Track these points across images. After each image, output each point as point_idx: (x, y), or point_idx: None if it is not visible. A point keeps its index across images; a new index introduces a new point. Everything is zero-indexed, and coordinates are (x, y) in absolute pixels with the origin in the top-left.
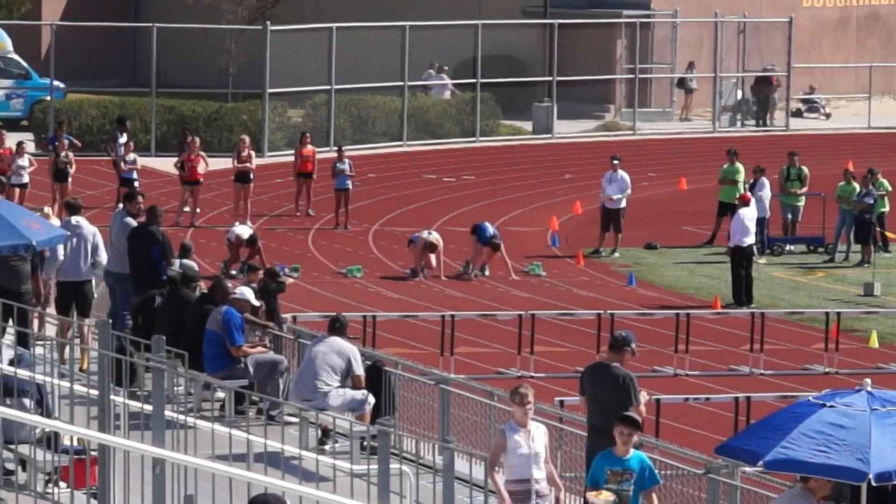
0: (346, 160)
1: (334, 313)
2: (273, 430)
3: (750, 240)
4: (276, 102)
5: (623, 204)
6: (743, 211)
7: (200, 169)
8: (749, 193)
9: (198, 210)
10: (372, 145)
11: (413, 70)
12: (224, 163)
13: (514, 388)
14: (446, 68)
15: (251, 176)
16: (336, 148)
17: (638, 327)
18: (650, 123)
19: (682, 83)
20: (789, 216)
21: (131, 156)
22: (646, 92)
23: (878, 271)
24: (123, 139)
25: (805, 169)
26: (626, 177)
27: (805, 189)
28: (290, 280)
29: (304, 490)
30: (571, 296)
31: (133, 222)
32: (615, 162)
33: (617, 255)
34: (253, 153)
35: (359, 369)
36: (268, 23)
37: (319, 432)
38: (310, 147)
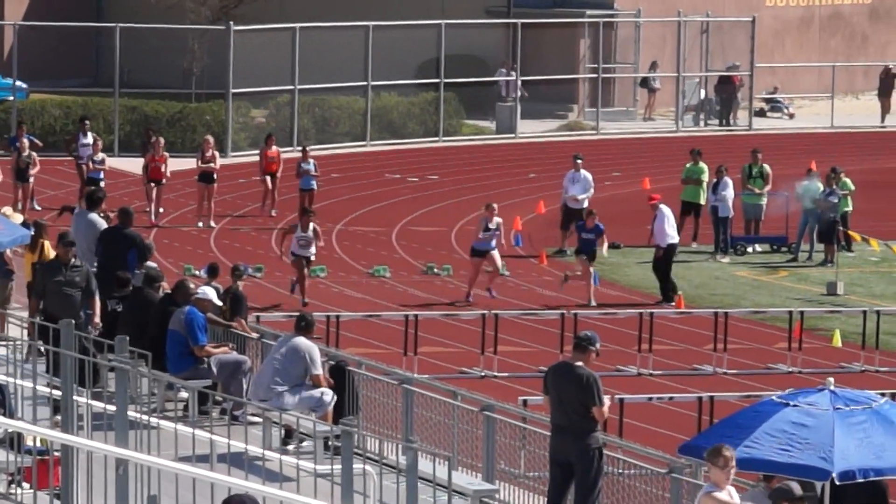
0: (311, 160)
1: (298, 313)
2: (236, 430)
3: (674, 239)
4: (240, 103)
5: (586, 204)
6: (667, 211)
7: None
8: (658, 195)
9: (161, 210)
10: (335, 145)
11: (376, 70)
12: (187, 163)
13: (717, 450)
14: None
15: (215, 176)
16: (301, 148)
17: (602, 327)
18: (613, 123)
19: (645, 83)
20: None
21: (100, 155)
22: (609, 91)
23: (842, 270)
24: (89, 139)
25: (767, 167)
26: (589, 176)
27: (767, 188)
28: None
29: (267, 490)
30: (535, 295)
31: (102, 222)
32: (578, 161)
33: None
34: (217, 153)
35: (316, 368)
36: (231, 23)
37: (283, 432)
38: (275, 148)
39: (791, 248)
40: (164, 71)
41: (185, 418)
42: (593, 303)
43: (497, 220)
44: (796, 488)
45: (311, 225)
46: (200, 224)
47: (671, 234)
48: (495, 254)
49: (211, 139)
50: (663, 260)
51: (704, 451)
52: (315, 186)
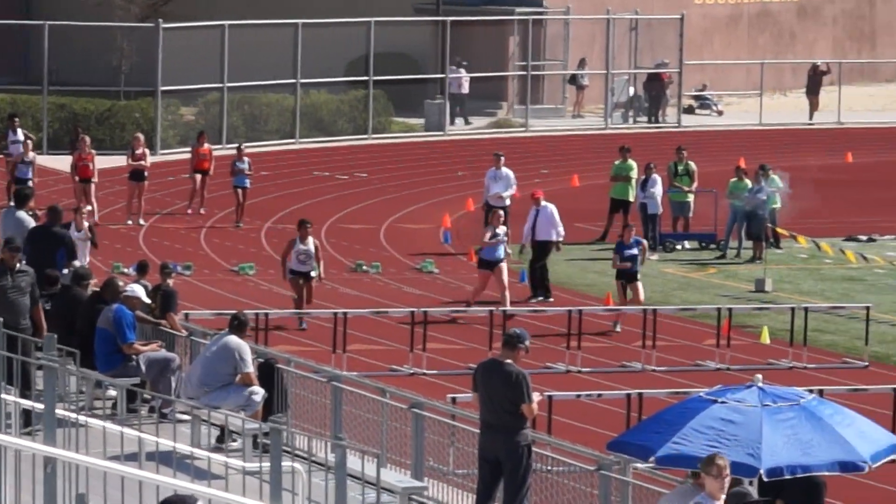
0: (246, 159)
1: (231, 311)
2: (165, 428)
3: (555, 235)
4: (169, 100)
5: (509, 202)
6: (551, 207)
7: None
8: (540, 191)
9: (89, 208)
10: (264, 143)
11: (305, 68)
12: (116, 160)
13: (710, 459)
14: (465, 63)
15: (146, 174)
16: (236, 146)
17: (531, 324)
18: (542, 120)
19: (573, 80)
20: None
21: (31, 154)
22: (538, 89)
23: (770, 267)
24: (20, 136)
25: (692, 164)
26: (511, 174)
27: (695, 185)
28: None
29: (196, 488)
30: (464, 293)
31: (30, 220)
32: (499, 159)
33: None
34: (147, 151)
35: (246, 367)
36: (160, 21)
37: (218, 431)
38: (207, 146)
39: (720, 246)
40: (93, 69)
41: (114, 416)
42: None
43: (504, 228)
44: (751, 493)
45: (311, 238)
46: (130, 222)
47: (553, 231)
48: (503, 266)
49: (141, 137)
50: (541, 256)
51: (633, 447)
52: (248, 185)
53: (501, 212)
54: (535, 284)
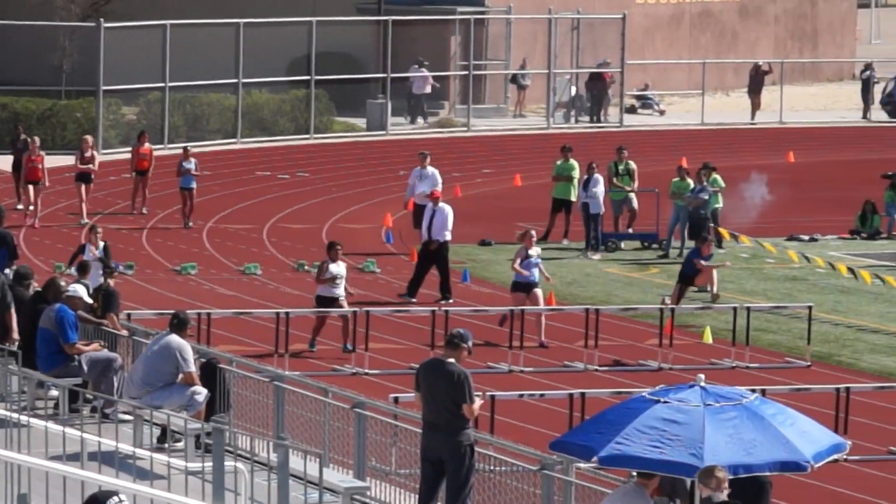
0: (193, 159)
1: (172, 311)
2: (107, 428)
3: (449, 235)
4: (110, 100)
5: None
6: (447, 208)
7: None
8: (439, 190)
9: (31, 208)
10: (206, 142)
11: (247, 67)
12: (57, 160)
13: (709, 471)
14: (427, 63)
15: (92, 176)
16: (182, 147)
17: (473, 324)
18: (484, 120)
19: (515, 80)
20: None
21: None
22: (480, 89)
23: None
24: None
25: (633, 164)
26: (437, 173)
27: (636, 185)
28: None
29: (138, 489)
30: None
31: None
32: (422, 157)
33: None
34: (96, 153)
35: (188, 367)
36: (101, 20)
37: (159, 431)
38: (147, 146)
39: (661, 245)
40: (35, 68)
41: (56, 416)
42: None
43: (537, 249)
44: (718, 497)
45: (341, 261)
46: (84, 222)
47: (446, 232)
48: (538, 293)
49: (90, 139)
50: (440, 256)
51: (575, 447)
52: (195, 186)
53: (534, 232)
54: (418, 283)
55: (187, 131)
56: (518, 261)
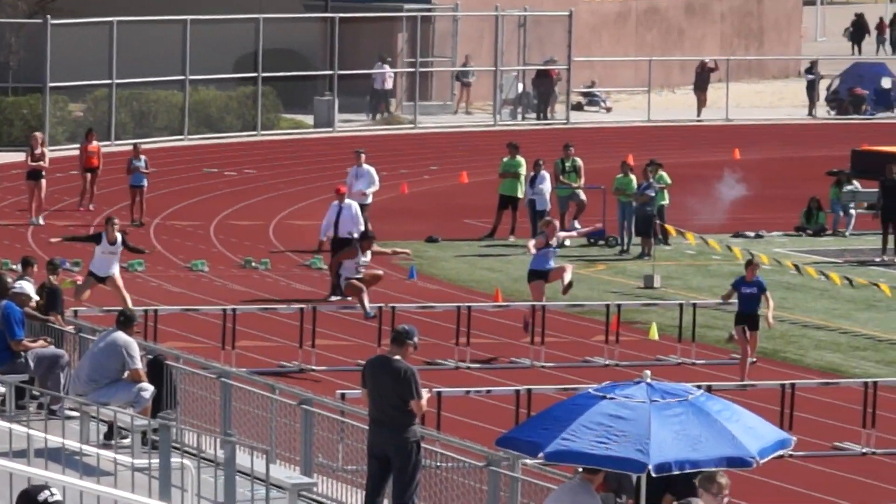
0: (143, 157)
1: (119, 308)
2: (54, 424)
3: (355, 233)
4: (57, 96)
5: (370, 199)
6: (355, 205)
7: None
8: (345, 186)
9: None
10: (153, 139)
11: (194, 64)
12: (4, 157)
13: (711, 476)
14: (389, 59)
15: (43, 174)
16: (132, 144)
17: (419, 320)
18: (431, 117)
19: (458, 77)
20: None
21: None
22: (427, 86)
23: (658, 264)
24: None
25: (579, 161)
26: (373, 170)
27: (582, 181)
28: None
29: (84, 485)
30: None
31: None
32: (357, 155)
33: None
34: (47, 151)
35: (134, 363)
36: (48, 17)
37: (106, 427)
38: (95, 143)
39: (608, 242)
40: None
41: (3, 413)
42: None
43: (562, 234)
44: (697, 502)
45: (370, 252)
46: (39, 221)
47: (353, 228)
48: (569, 268)
49: (40, 136)
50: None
51: (522, 443)
52: (145, 183)
53: (557, 222)
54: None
55: (134, 128)
56: (534, 246)
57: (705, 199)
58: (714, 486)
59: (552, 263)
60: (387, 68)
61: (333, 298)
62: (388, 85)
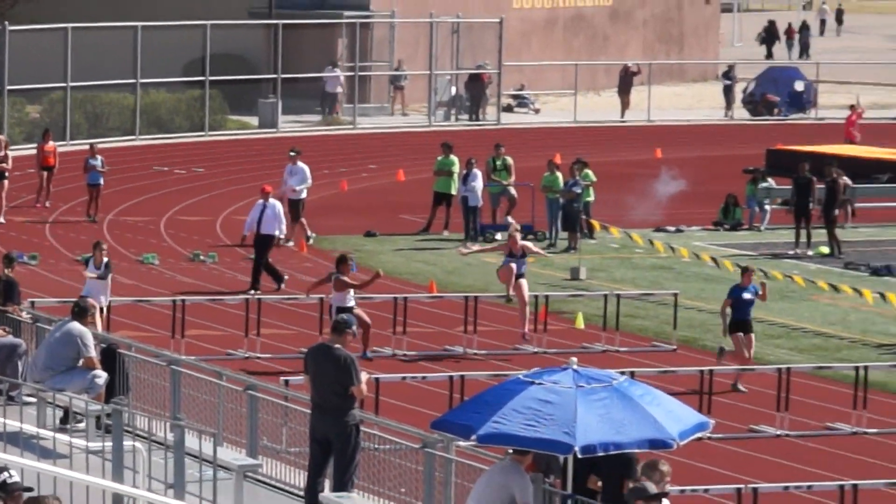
0: (99, 157)
1: (74, 299)
2: (12, 410)
3: (278, 231)
4: (15, 99)
5: (304, 195)
6: (278, 204)
7: None
8: (270, 186)
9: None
10: (106, 139)
11: (145, 68)
12: None
13: (653, 464)
14: (340, 63)
15: (7, 175)
16: (89, 144)
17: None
18: (370, 118)
19: (392, 80)
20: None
21: None
22: (365, 89)
23: (584, 257)
24: None
25: (509, 159)
26: (306, 168)
27: (512, 179)
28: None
29: (41, 467)
30: (296, 281)
31: None
32: (293, 154)
33: (291, 243)
34: (10, 153)
35: (88, 352)
36: (6, 23)
37: (62, 412)
38: (51, 143)
39: (537, 236)
40: None
41: None
42: (741, 388)
43: (522, 244)
44: (651, 487)
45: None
46: (1, 220)
47: (277, 226)
48: (523, 283)
49: (3, 138)
50: (263, 249)
51: (456, 426)
52: (101, 182)
53: (518, 235)
54: (257, 277)
55: (88, 129)
56: (504, 250)
57: (629, 196)
58: (656, 474)
59: (523, 269)
60: (337, 72)
61: (252, 292)
62: (338, 88)
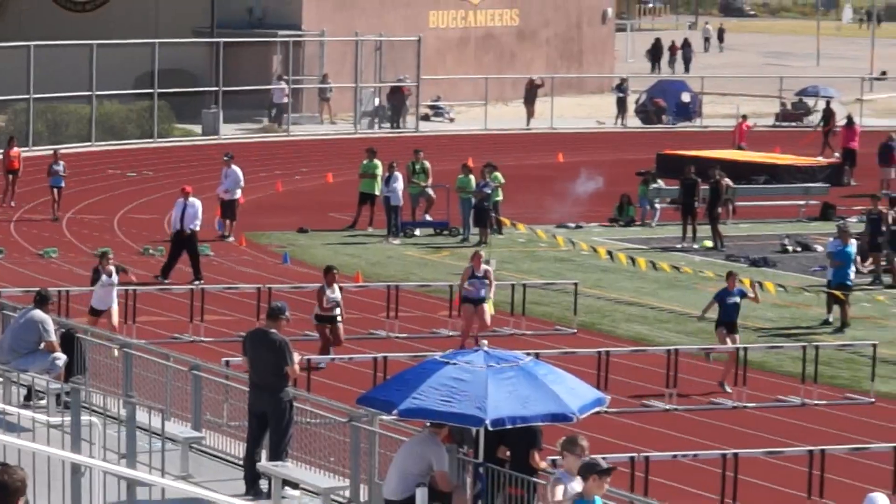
0: (61, 162)
1: (36, 289)
2: None
3: (197, 226)
4: None
5: (237, 195)
6: (198, 202)
7: None
8: (190, 186)
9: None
10: (65, 146)
11: (100, 82)
12: None
13: (573, 440)
14: (285, 77)
15: None
16: (52, 151)
17: (292, 298)
18: (301, 126)
19: (322, 92)
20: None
21: None
22: (298, 99)
23: (494, 250)
24: None
25: (427, 163)
26: (239, 172)
27: (430, 181)
28: None
29: (6, 440)
30: (235, 272)
31: None
32: (226, 159)
33: (232, 238)
34: None
35: (49, 336)
36: None
37: (25, 391)
38: (16, 149)
39: (452, 232)
40: None
41: None
42: (727, 388)
43: (484, 268)
44: (602, 462)
45: (336, 286)
46: None
47: (195, 223)
48: (486, 308)
49: None
50: (191, 243)
51: (379, 402)
52: (63, 184)
53: (483, 252)
54: (170, 267)
55: (49, 136)
56: (465, 279)
57: (535, 196)
58: (577, 448)
59: (483, 293)
60: (283, 85)
61: (196, 283)
62: (285, 99)
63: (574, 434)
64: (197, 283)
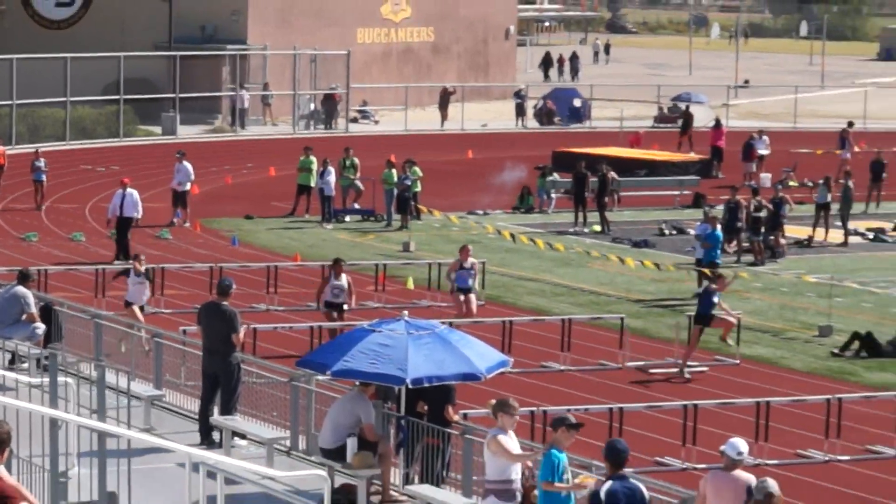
0: (42, 159)
1: (19, 268)
2: None
3: (137, 214)
4: None
5: (188, 188)
6: (136, 192)
7: None
8: (128, 178)
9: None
10: (43, 144)
11: (74, 89)
12: None
13: (505, 402)
14: (249, 86)
15: None
16: (35, 149)
17: (239, 276)
18: (248, 128)
19: (264, 98)
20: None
21: None
22: (245, 104)
23: (413, 234)
24: None
25: (356, 159)
26: (189, 167)
27: (358, 174)
28: None
29: None
30: (191, 253)
31: None
32: (178, 156)
33: (187, 224)
34: None
35: (30, 308)
36: None
37: (10, 356)
38: (1, 148)
39: (378, 218)
40: None
41: None
42: (687, 374)
43: (471, 260)
44: (571, 417)
45: (344, 275)
46: None
47: (135, 211)
48: (472, 297)
49: None
50: (125, 229)
51: (315, 364)
52: (44, 179)
53: (471, 247)
54: (122, 250)
55: (29, 136)
56: (453, 270)
57: (448, 186)
58: (511, 409)
59: (470, 282)
60: (244, 92)
61: (116, 262)
62: (247, 105)
63: (504, 398)
64: (118, 261)
